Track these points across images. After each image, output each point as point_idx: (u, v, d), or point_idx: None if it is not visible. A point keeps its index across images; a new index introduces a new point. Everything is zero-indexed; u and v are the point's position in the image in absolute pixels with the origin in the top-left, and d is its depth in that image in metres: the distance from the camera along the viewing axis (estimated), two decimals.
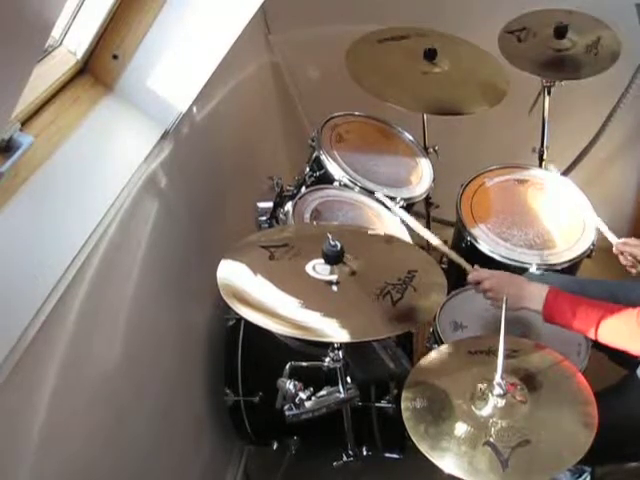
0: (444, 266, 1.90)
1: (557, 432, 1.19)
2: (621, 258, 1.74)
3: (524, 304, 1.48)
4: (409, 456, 1.88)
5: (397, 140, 2.18)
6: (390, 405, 1.79)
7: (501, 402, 1.20)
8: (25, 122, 1.34)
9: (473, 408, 1.22)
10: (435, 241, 1.74)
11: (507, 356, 1.23)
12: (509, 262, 1.85)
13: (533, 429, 1.17)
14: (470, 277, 1.60)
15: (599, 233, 1.87)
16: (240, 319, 1.85)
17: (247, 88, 2.41)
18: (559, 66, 2.14)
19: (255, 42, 2.53)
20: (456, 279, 1.74)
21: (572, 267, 1.90)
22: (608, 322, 1.38)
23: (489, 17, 2.33)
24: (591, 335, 1.41)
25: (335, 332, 1.22)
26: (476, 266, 1.63)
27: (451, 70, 2.12)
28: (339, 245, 1.33)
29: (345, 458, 1.68)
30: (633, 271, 1.71)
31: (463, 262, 1.66)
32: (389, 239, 1.61)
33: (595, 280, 1.81)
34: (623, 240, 1.75)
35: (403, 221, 1.84)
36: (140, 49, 1.59)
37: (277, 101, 2.76)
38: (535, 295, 1.47)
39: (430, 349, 1.71)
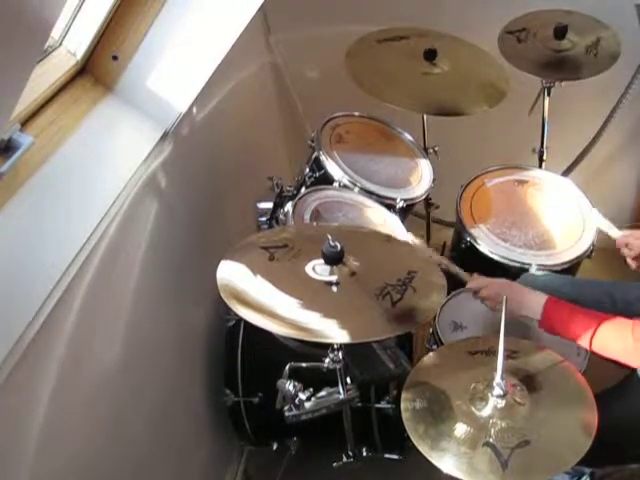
0: (444, 267, 1.90)
1: (557, 433, 1.19)
2: (625, 250, 1.70)
3: (522, 312, 1.49)
4: (409, 457, 1.88)
5: (397, 141, 2.18)
6: (390, 406, 1.79)
7: (501, 403, 1.20)
8: (25, 122, 1.34)
9: (473, 409, 1.22)
10: (431, 254, 1.68)
11: (507, 357, 1.23)
12: (509, 262, 1.85)
13: (533, 430, 1.17)
14: (469, 285, 1.61)
15: (601, 231, 1.86)
16: (240, 320, 1.85)
17: (247, 88, 2.41)
18: (559, 66, 2.14)
19: (255, 42, 2.53)
20: (456, 280, 1.74)
21: (572, 267, 1.90)
22: (603, 336, 1.37)
23: (489, 17, 2.33)
24: (586, 347, 1.40)
25: (335, 333, 1.22)
26: (475, 274, 1.63)
27: (451, 70, 2.12)
28: (339, 246, 1.33)
29: (345, 459, 1.69)
30: (633, 264, 1.70)
31: (460, 272, 1.66)
32: (389, 239, 1.61)
33: (593, 281, 1.81)
34: (628, 232, 1.74)
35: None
36: (140, 49, 1.58)
37: (277, 101, 2.76)
38: (533, 304, 1.47)
39: (430, 350, 1.72)
